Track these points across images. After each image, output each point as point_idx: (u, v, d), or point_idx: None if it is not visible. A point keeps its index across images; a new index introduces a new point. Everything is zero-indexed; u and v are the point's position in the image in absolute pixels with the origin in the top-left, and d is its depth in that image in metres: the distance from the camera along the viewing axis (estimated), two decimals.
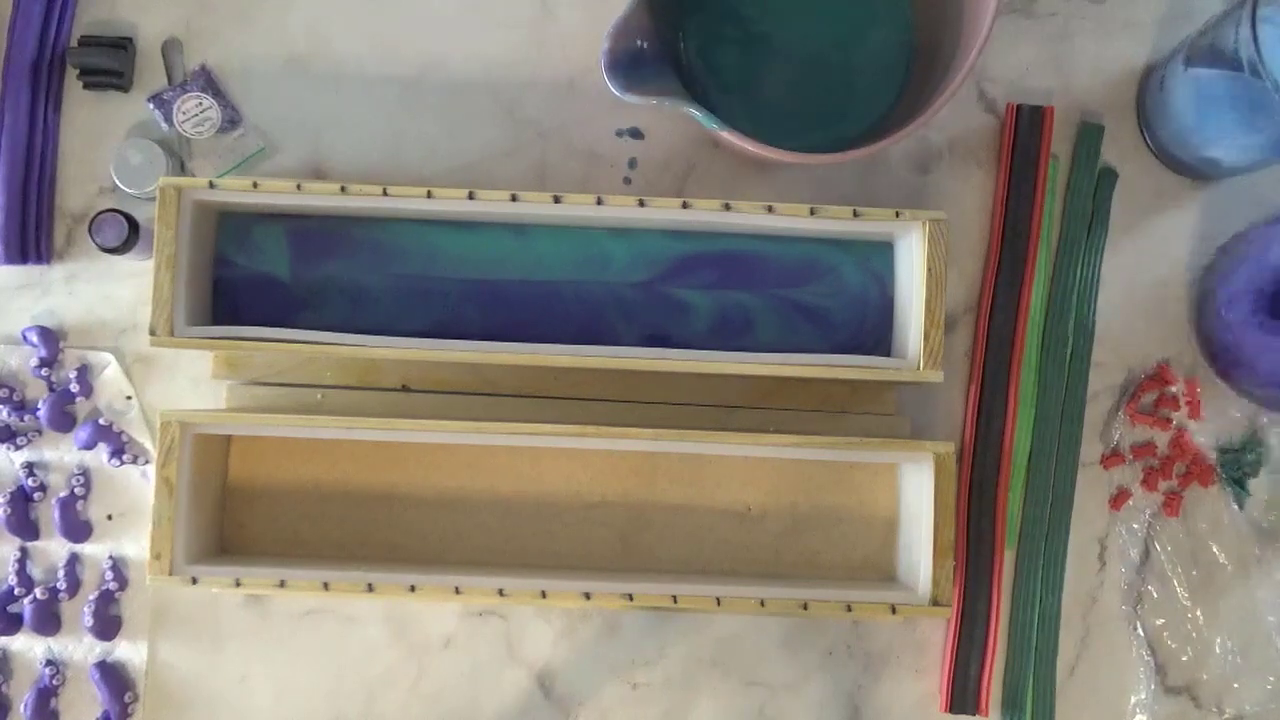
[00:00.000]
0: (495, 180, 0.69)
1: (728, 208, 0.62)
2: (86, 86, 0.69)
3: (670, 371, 0.61)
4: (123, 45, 0.68)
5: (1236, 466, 0.68)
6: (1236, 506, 0.68)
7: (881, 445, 0.62)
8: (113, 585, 0.67)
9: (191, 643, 0.68)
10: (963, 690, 0.67)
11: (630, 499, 0.67)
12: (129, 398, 0.68)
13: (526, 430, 0.60)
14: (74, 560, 0.68)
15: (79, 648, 0.67)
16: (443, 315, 0.64)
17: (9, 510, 0.67)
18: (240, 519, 0.66)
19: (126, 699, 0.67)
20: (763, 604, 0.60)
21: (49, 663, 0.67)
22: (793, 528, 0.67)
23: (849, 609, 0.60)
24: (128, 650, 0.68)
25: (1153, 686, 0.68)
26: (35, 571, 0.68)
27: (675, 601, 0.60)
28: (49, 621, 0.67)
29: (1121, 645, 0.68)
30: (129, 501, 0.68)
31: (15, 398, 0.68)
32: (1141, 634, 0.68)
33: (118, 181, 0.67)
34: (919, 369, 0.61)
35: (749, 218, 0.62)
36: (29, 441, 0.68)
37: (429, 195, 0.61)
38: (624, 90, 0.57)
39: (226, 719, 0.67)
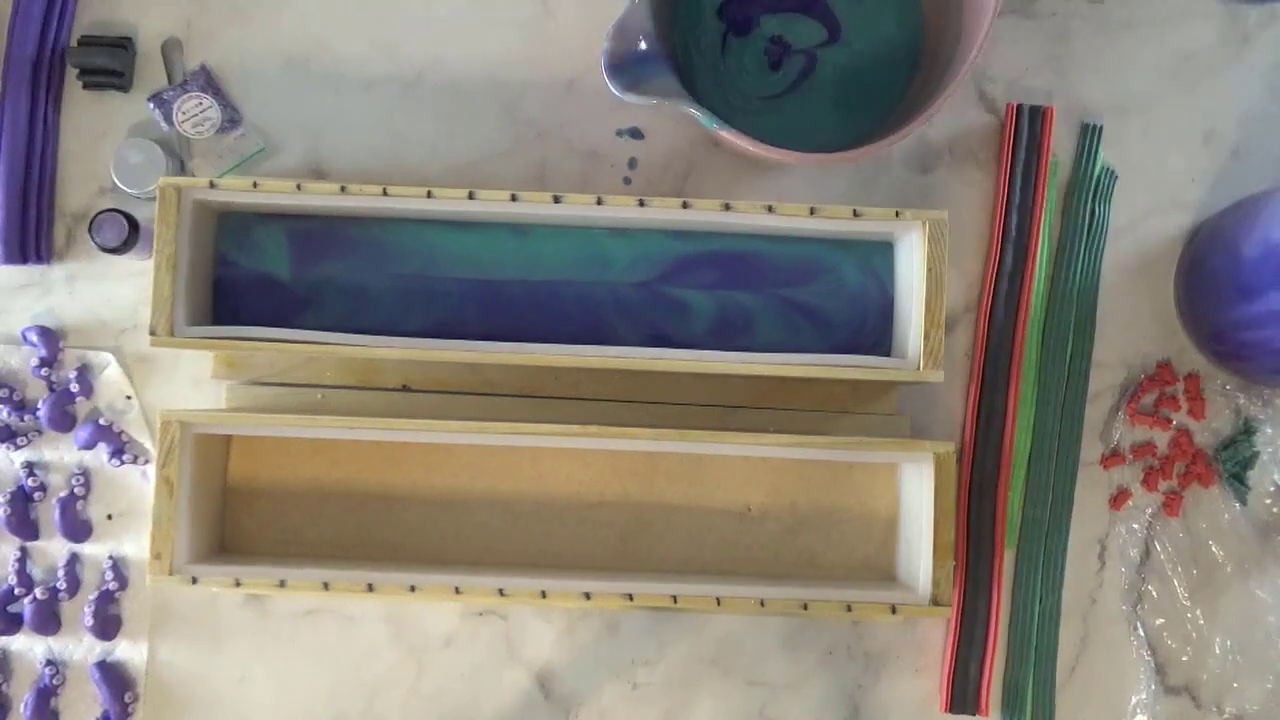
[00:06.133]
0: (495, 180, 0.69)
1: (728, 208, 0.62)
2: (86, 86, 0.69)
3: (670, 371, 0.61)
4: (123, 45, 0.68)
5: (1234, 460, 0.68)
6: (1238, 504, 0.68)
7: (881, 445, 0.62)
8: (113, 585, 0.67)
9: (191, 643, 0.68)
10: (963, 690, 0.67)
11: (630, 499, 0.67)
12: (129, 398, 0.68)
13: (526, 430, 0.60)
14: (74, 560, 0.68)
15: (79, 648, 0.67)
16: (443, 315, 0.64)
17: (9, 510, 0.67)
18: (240, 519, 0.66)
19: (126, 699, 0.67)
20: (763, 604, 0.60)
21: (49, 663, 0.67)
22: (792, 528, 0.67)
23: (849, 609, 0.60)
24: (128, 650, 0.68)
25: (1153, 686, 0.68)
26: (35, 571, 0.68)
27: (675, 601, 0.60)
28: (49, 621, 0.67)
29: (1121, 645, 0.68)
30: (129, 501, 0.68)
31: (15, 398, 0.68)
32: (1141, 634, 0.68)
33: (118, 181, 0.67)
34: (919, 369, 0.61)
35: (749, 218, 0.62)
36: (29, 441, 0.68)
37: (429, 195, 0.61)
38: (624, 90, 0.57)
39: (226, 719, 0.67)
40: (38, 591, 0.67)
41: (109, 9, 0.70)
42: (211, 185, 0.61)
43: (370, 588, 0.60)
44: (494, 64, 0.70)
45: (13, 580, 0.67)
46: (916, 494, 0.63)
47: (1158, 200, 0.70)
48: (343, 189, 0.61)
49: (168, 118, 0.68)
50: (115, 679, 0.67)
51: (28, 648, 0.68)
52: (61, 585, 0.67)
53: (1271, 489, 0.69)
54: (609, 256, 0.65)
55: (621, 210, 0.62)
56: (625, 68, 0.57)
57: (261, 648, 0.68)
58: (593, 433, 0.61)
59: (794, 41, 0.69)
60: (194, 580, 0.60)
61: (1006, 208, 0.69)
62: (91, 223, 0.65)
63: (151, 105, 0.68)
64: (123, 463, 0.68)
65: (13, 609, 0.67)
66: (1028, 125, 0.69)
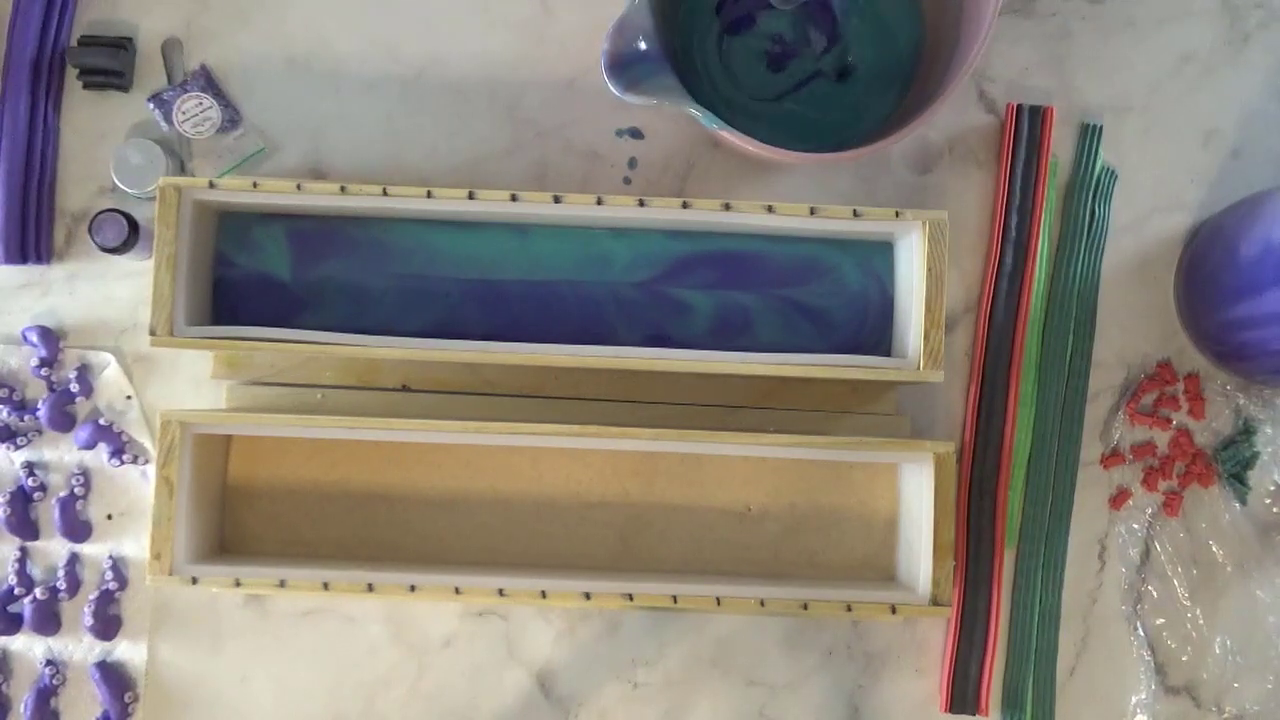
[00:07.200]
0: (495, 180, 0.69)
1: (728, 208, 0.62)
2: (86, 86, 0.69)
3: (670, 371, 0.61)
4: (123, 45, 0.68)
5: (1234, 460, 0.68)
6: (1238, 504, 0.68)
7: (881, 445, 0.62)
8: (113, 585, 0.67)
9: (191, 643, 0.68)
10: (963, 690, 0.67)
11: (630, 499, 0.67)
12: (129, 398, 0.68)
13: (526, 430, 0.60)
14: (74, 560, 0.68)
15: (79, 648, 0.67)
16: (443, 315, 0.64)
17: (9, 510, 0.67)
18: (240, 519, 0.66)
19: (126, 699, 0.67)
20: (763, 604, 0.60)
21: (49, 663, 0.67)
22: (792, 528, 0.67)
23: (849, 609, 0.60)
24: (128, 650, 0.68)
25: (1153, 686, 0.68)
26: (35, 571, 0.68)
27: (675, 601, 0.60)
28: (49, 621, 0.67)
29: (1121, 645, 0.68)
30: (129, 501, 0.68)
31: (15, 398, 0.68)
32: (1141, 634, 0.68)
33: (118, 181, 0.67)
34: (919, 369, 0.61)
35: (749, 218, 0.62)
36: (29, 441, 0.68)
37: (429, 195, 0.61)
38: (624, 90, 0.57)
39: (226, 719, 0.67)
40: (38, 591, 0.67)
41: (109, 9, 0.70)
42: (211, 185, 0.61)
43: (370, 588, 0.60)
44: (494, 64, 0.70)
45: (13, 580, 0.67)
46: (916, 494, 0.63)
47: (1158, 200, 0.70)
48: (343, 189, 0.61)
49: (168, 118, 0.68)
50: (115, 679, 0.67)
51: (28, 648, 0.68)
52: (61, 585, 0.67)
53: (1271, 489, 0.69)
54: (609, 256, 0.65)
55: (621, 210, 0.62)
56: (625, 68, 0.57)
57: (261, 648, 0.68)
58: (593, 433, 0.61)
59: (794, 41, 0.69)
60: (194, 580, 0.60)
61: (1006, 208, 0.69)
62: (91, 223, 0.65)
63: (151, 105, 0.68)
64: (123, 463, 0.68)
65: (13, 609, 0.67)
66: (1028, 125, 0.69)
